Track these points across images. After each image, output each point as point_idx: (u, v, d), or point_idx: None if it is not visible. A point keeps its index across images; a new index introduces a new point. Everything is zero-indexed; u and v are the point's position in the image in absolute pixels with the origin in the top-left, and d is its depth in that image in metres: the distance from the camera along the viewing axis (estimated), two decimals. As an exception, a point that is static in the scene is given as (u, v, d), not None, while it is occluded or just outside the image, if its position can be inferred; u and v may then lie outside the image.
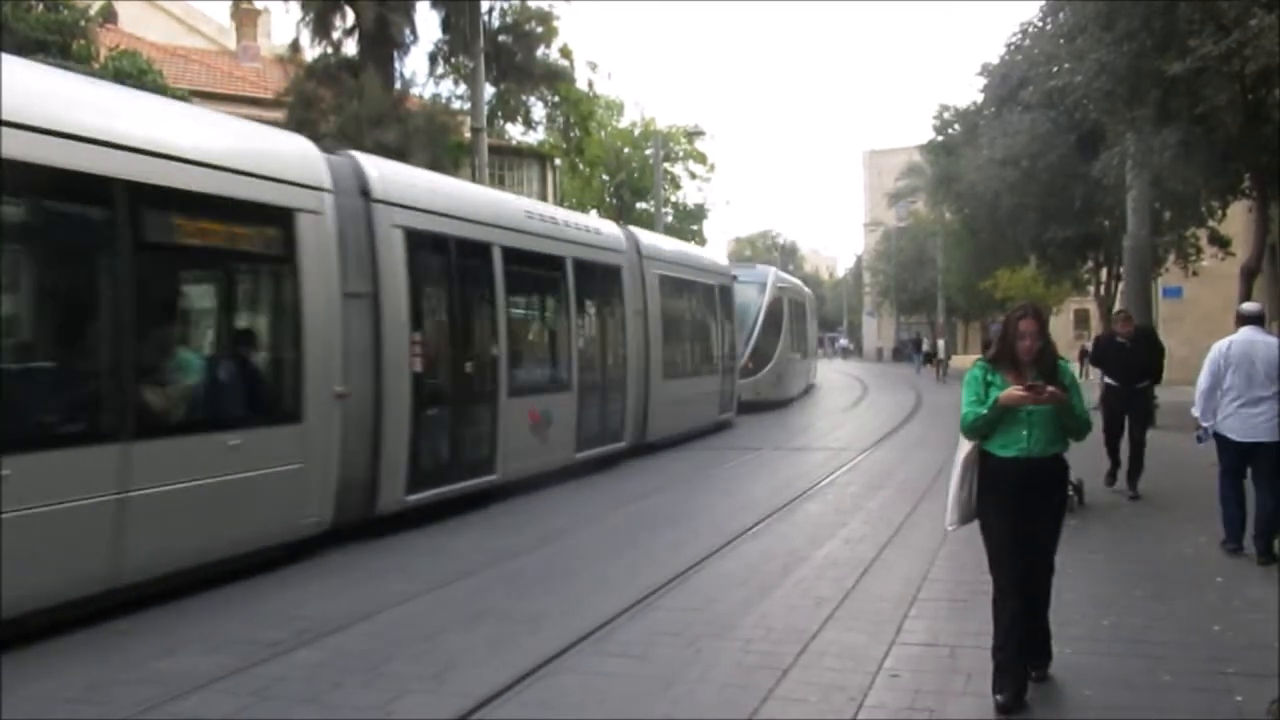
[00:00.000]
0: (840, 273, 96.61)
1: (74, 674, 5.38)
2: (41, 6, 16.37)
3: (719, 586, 7.22)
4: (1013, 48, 24.98)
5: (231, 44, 31.54)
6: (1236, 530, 7.59)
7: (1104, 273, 27.69)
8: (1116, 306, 25.65)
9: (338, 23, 22.02)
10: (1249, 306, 8.08)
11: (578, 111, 31.91)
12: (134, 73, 17.16)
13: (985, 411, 4.73)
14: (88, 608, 6.17)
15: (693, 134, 47.56)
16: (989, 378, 4.81)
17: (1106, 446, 10.74)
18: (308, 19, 21.87)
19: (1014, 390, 4.65)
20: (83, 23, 16.88)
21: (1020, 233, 27.34)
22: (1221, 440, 7.52)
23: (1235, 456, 7.47)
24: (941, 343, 43.36)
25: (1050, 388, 4.63)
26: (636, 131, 47.43)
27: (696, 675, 5.30)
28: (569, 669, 5.45)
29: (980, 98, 29.27)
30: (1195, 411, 7.67)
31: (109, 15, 18.34)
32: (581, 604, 6.70)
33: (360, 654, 5.69)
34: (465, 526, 9.74)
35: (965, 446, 4.92)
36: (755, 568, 7.79)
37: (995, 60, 27.09)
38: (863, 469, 13.68)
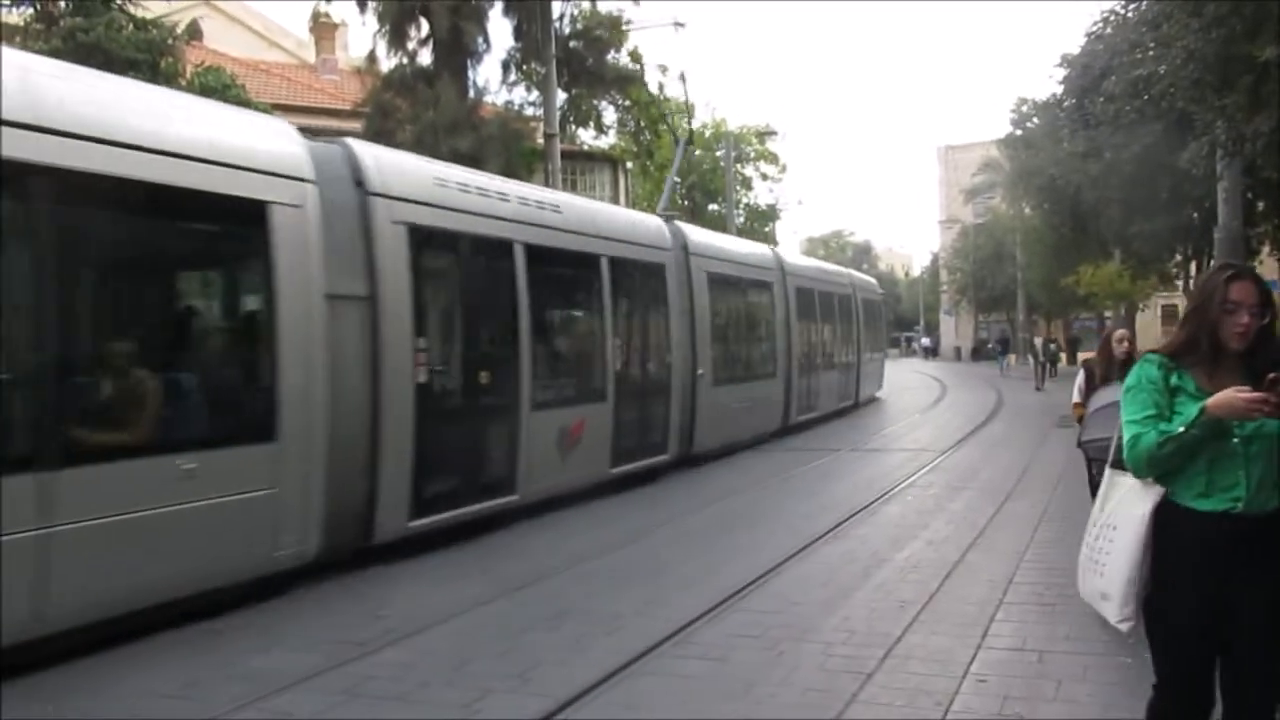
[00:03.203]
0: (916, 271, 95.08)
1: (171, 671, 5.55)
2: (132, 26, 16.99)
3: (799, 589, 7.17)
4: (1094, 37, 24.34)
5: (311, 57, 32.35)
6: None
7: (1193, 266, 26.86)
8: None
9: (413, 33, 22.44)
10: None
11: (648, 115, 32.00)
12: (218, 87, 17.73)
13: (1181, 430, 3.02)
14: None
15: (764, 134, 47.35)
16: (1173, 379, 3.17)
17: None
18: (384, 30, 22.33)
19: (1237, 394, 2.92)
20: (170, 41, 17.47)
21: (1104, 227, 26.69)
22: None
23: None
24: (1039, 340, 36.49)
25: None
26: (707, 133, 47.31)
27: (779, 678, 5.27)
28: (650, 670, 5.46)
29: (1060, 89, 28.57)
30: None
31: (195, 32, 18.92)
32: (661, 605, 6.71)
33: (445, 654, 5.78)
34: (542, 528, 9.83)
35: (1134, 494, 3.23)
36: (836, 570, 7.72)
37: (1075, 50, 26.47)
38: (944, 470, 13.45)
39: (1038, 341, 36.44)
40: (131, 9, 17.42)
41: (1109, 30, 22.69)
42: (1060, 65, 27.65)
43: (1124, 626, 3.25)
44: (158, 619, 6.13)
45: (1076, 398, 7.61)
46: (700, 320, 14.28)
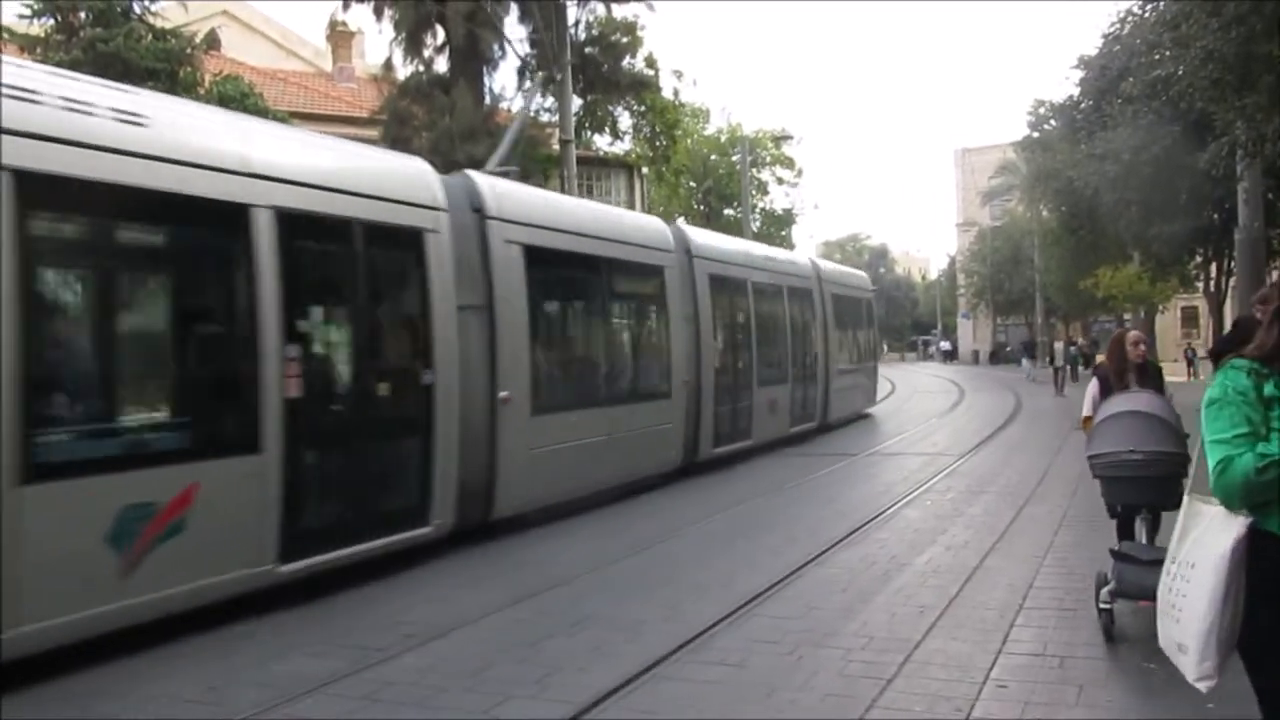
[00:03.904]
0: (933, 274, 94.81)
1: (193, 676, 5.60)
2: (151, 36, 17.15)
3: (818, 594, 7.15)
4: (1111, 38, 24.30)
5: (328, 65, 32.52)
6: None
7: (1213, 268, 26.70)
8: (1228, 303, 24.67)
9: (429, 41, 22.54)
10: None
11: (664, 120, 32.04)
12: (237, 96, 17.88)
13: None
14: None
15: (779, 138, 47.33)
16: (1268, 388, 2.69)
17: None
18: (400, 38, 22.44)
19: None
20: (189, 50, 17.63)
21: (1122, 229, 26.50)
22: None
23: None
24: (1058, 344, 33.81)
25: None
26: (723, 138, 47.38)
27: (798, 684, 5.25)
28: (669, 676, 5.45)
29: (1077, 91, 28.51)
30: None
31: (213, 42, 19.06)
32: (680, 611, 6.71)
33: (464, 659, 5.80)
34: (562, 533, 9.84)
35: (1218, 525, 2.73)
36: (855, 574, 7.69)
37: (1092, 52, 26.42)
38: (962, 474, 13.39)
39: (1057, 345, 34.68)
40: (151, 19, 17.59)
41: (1126, 31, 22.66)
42: (1077, 67, 27.70)
43: (1203, 686, 2.74)
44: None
45: (1088, 409, 6.58)
46: (506, 317, 9.59)
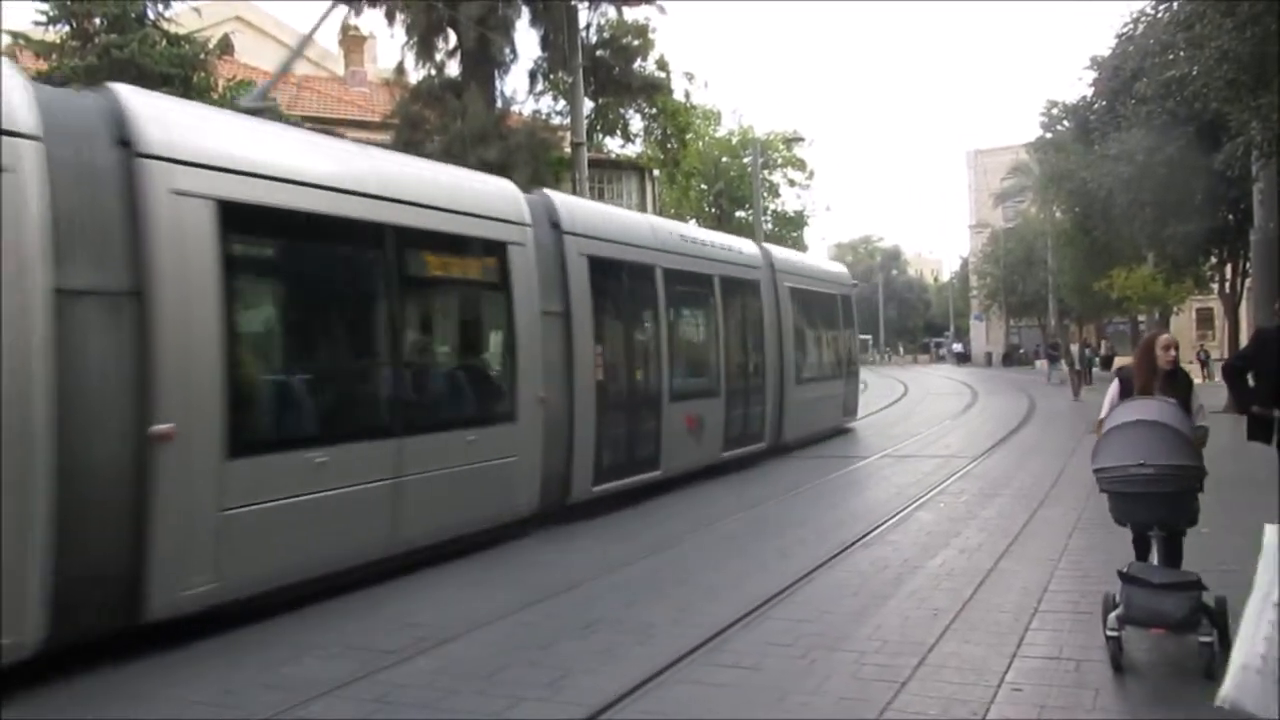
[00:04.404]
0: (946, 276, 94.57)
1: (207, 679, 5.61)
2: (165, 42, 17.27)
3: (831, 597, 7.12)
4: (1124, 38, 24.21)
5: (340, 70, 32.66)
6: None
7: (1229, 269, 26.55)
8: (1244, 304, 24.50)
9: (440, 45, 22.62)
10: None
11: (675, 123, 32.02)
12: (249, 101, 17.97)
13: None
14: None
15: (791, 140, 47.28)
16: None
17: None
18: (412, 42, 22.53)
19: None
20: (202, 56, 17.75)
21: (1136, 230, 26.33)
22: None
23: None
24: (1074, 346, 33.38)
25: None
26: (734, 140, 47.39)
27: (811, 687, 5.23)
28: (681, 679, 5.44)
29: (1089, 92, 28.43)
30: None
31: (226, 47, 19.21)
32: (692, 613, 6.69)
33: (476, 662, 5.79)
34: (574, 535, 9.84)
35: None
36: (868, 577, 7.66)
37: (1105, 52, 26.34)
38: (975, 476, 13.32)
39: (1073, 347, 33.94)
40: (165, 25, 17.72)
41: (1139, 31, 22.59)
42: (1090, 67, 27.62)
43: None
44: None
45: (1105, 411, 5.93)
46: (175, 309, 6.21)
